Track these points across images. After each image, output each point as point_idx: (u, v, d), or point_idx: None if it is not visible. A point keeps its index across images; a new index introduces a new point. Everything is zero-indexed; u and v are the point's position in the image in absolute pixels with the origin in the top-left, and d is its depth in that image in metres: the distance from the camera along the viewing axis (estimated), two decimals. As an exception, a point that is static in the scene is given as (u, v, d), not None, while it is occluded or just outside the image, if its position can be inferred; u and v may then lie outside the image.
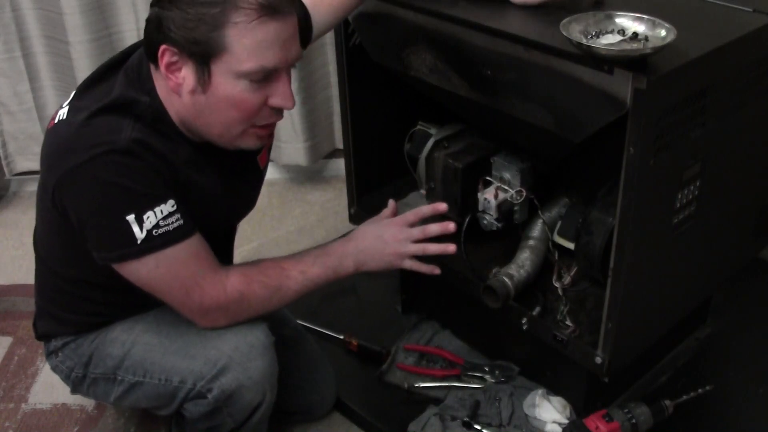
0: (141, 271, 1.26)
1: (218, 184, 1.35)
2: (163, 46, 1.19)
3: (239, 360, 1.36)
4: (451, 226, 1.40)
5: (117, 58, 1.34)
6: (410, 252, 1.41)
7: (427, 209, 1.43)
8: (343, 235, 1.49)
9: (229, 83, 1.21)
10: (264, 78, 1.22)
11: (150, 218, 1.21)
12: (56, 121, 1.29)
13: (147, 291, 1.31)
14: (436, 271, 1.45)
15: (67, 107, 1.29)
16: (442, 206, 1.43)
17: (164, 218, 1.23)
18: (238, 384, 1.36)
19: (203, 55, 1.18)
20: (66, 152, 1.22)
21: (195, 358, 1.37)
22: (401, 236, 1.41)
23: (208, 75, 1.20)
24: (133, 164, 1.20)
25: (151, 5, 1.22)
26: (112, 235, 1.23)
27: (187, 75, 1.21)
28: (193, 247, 1.28)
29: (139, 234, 1.22)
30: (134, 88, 1.26)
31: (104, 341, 1.43)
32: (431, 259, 1.43)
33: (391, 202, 1.51)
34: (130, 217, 1.21)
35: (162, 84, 1.25)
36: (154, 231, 1.22)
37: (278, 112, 1.28)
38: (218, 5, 1.16)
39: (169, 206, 1.23)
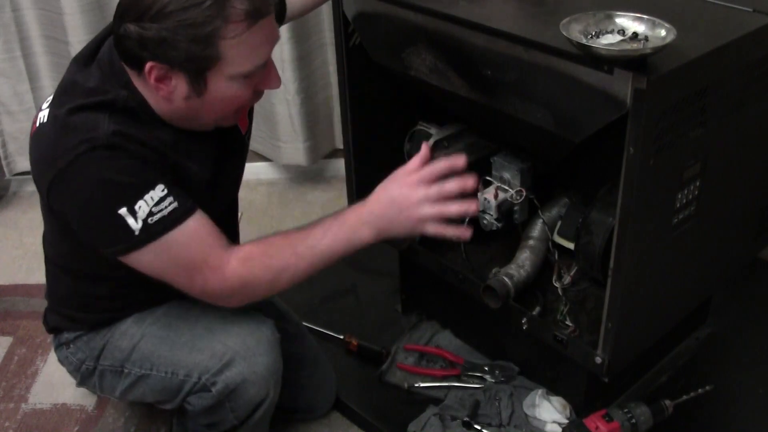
0: (144, 259, 1.25)
1: (206, 162, 1.34)
2: (150, 63, 1.18)
3: (245, 354, 1.37)
4: (470, 182, 1.25)
5: (85, 53, 1.31)
6: (427, 215, 1.24)
7: (442, 165, 1.26)
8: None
9: (224, 85, 1.22)
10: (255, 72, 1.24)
11: (142, 207, 1.20)
12: (37, 125, 1.29)
13: (155, 278, 1.29)
14: (466, 234, 1.27)
15: (46, 110, 1.29)
16: (461, 160, 1.26)
17: (156, 204, 1.21)
18: (242, 378, 1.37)
19: (198, 69, 1.19)
20: (51, 158, 1.22)
21: (202, 351, 1.39)
22: (415, 198, 1.24)
23: (204, 83, 1.21)
24: (116, 156, 1.20)
25: (123, 19, 1.18)
26: (110, 231, 1.23)
27: (178, 84, 1.21)
28: (192, 226, 1.25)
29: (135, 225, 1.21)
30: (110, 82, 1.25)
31: (115, 333, 1.44)
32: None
33: (424, 146, 1.30)
34: (122, 211, 1.20)
35: (139, 79, 1.25)
36: (149, 219, 1.21)
37: (261, 92, 1.31)
38: (208, 24, 1.15)
39: (158, 191, 1.21)
